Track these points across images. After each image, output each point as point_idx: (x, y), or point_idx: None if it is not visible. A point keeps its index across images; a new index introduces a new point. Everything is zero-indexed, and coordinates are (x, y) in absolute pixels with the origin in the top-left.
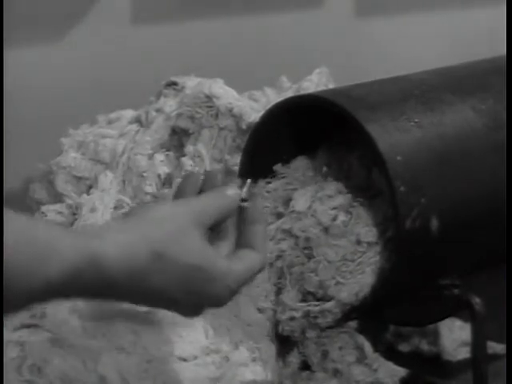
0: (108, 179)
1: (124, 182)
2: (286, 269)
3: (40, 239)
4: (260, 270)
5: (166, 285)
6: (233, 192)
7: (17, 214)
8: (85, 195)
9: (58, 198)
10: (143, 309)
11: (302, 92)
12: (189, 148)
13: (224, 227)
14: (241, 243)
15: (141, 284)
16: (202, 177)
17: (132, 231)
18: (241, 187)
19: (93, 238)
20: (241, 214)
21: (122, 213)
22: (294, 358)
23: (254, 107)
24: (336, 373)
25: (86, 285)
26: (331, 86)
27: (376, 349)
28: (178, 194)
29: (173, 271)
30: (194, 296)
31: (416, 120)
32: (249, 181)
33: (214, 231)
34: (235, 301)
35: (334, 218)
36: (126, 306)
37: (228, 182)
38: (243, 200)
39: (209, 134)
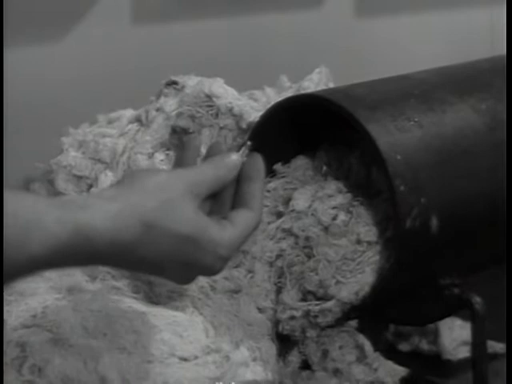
0: (108, 178)
1: None
2: (286, 268)
3: (24, 214)
4: (255, 230)
5: (157, 256)
6: (233, 159)
7: (3, 190)
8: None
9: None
10: (144, 309)
11: (302, 92)
12: None
13: (225, 194)
14: (236, 202)
15: (131, 255)
16: (201, 145)
17: (122, 201)
18: (241, 152)
19: (80, 209)
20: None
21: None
22: (294, 358)
23: (254, 107)
24: (336, 372)
25: (73, 257)
26: (331, 85)
27: (376, 348)
28: (177, 163)
29: (164, 242)
30: (186, 266)
31: (416, 119)
32: (248, 143)
33: (215, 198)
34: (236, 300)
35: (334, 218)
36: (127, 306)
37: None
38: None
39: (209, 134)
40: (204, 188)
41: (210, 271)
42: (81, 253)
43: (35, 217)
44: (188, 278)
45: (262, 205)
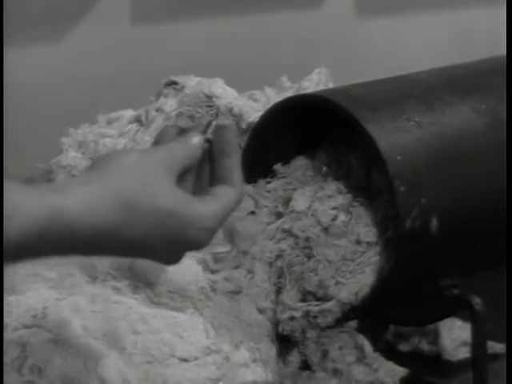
0: None
1: None
2: (285, 268)
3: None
4: (238, 204)
5: (140, 234)
6: (195, 140)
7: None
8: None
9: None
10: (144, 310)
11: (302, 92)
12: None
13: (201, 173)
14: (215, 180)
15: (113, 237)
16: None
17: (98, 183)
18: (205, 131)
19: (57, 193)
20: (210, 152)
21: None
22: (294, 358)
23: (254, 107)
24: (336, 372)
25: (54, 244)
26: (331, 85)
27: (376, 348)
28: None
29: (145, 219)
30: (172, 242)
31: (416, 120)
32: (214, 123)
33: (182, 179)
34: (236, 301)
35: (334, 218)
36: (127, 306)
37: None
38: (209, 141)
39: None
40: (177, 165)
41: (197, 244)
42: (61, 237)
43: (13, 204)
44: (175, 256)
45: (242, 178)
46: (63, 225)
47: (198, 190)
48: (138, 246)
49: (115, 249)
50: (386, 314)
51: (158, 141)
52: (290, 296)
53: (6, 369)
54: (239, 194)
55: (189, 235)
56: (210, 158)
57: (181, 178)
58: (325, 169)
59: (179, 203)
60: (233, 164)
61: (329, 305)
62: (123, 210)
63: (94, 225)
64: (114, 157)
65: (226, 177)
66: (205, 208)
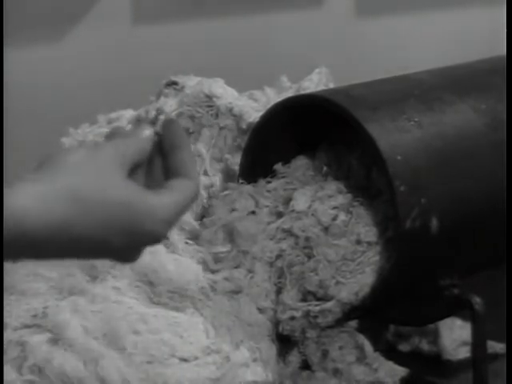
0: None
1: None
2: (286, 268)
3: None
4: (195, 197)
5: (94, 230)
6: (145, 133)
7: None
8: None
9: None
10: (144, 309)
11: (302, 92)
12: None
13: (154, 168)
14: (169, 174)
15: (68, 235)
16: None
17: (48, 181)
18: (154, 125)
19: (7, 192)
20: (160, 147)
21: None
22: (294, 358)
23: (254, 107)
24: (336, 372)
25: (6, 245)
26: (331, 85)
27: (376, 348)
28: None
29: (99, 214)
30: (127, 235)
31: (416, 120)
32: (162, 118)
33: (134, 173)
34: (236, 301)
35: (334, 218)
36: (127, 306)
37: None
38: (158, 134)
39: (209, 134)
40: (127, 159)
41: (154, 237)
42: (13, 238)
43: None
44: (133, 251)
45: (196, 170)
46: (16, 225)
47: (151, 185)
48: (93, 242)
49: (71, 248)
50: (386, 314)
51: (108, 136)
52: (290, 296)
53: (5, 368)
54: (196, 186)
55: (145, 227)
56: (161, 153)
57: (132, 172)
58: (325, 169)
59: (132, 195)
60: (186, 156)
61: (329, 305)
62: (74, 206)
63: (46, 224)
64: (60, 155)
65: (180, 170)
66: (160, 200)
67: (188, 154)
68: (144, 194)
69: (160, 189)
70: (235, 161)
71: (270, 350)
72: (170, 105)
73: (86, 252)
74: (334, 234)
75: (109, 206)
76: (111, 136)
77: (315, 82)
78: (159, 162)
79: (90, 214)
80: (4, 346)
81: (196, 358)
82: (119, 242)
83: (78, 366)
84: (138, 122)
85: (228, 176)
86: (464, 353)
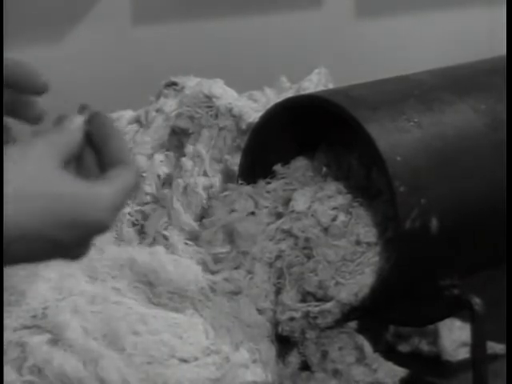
0: None
1: None
2: (285, 269)
3: None
4: (136, 182)
5: (37, 224)
6: (74, 123)
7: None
8: None
9: None
10: (144, 310)
11: (302, 92)
12: (188, 148)
13: (87, 159)
14: (104, 165)
15: (9, 233)
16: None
17: None
18: (82, 115)
19: None
20: (90, 139)
21: None
22: (293, 359)
23: (253, 107)
24: (336, 373)
25: None
26: (331, 86)
27: (376, 349)
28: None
29: (38, 207)
30: (72, 228)
31: (416, 120)
32: (87, 109)
33: (67, 167)
34: (236, 302)
35: (334, 219)
36: (127, 307)
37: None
38: (86, 124)
39: (208, 134)
40: (59, 151)
41: (99, 226)
42: None
43: None
44: (81, 244)
45: (131, 156)
46: None
47: (84, 177)
48: (35, 238)
49: (14, 249)
50: (386, 315)
51: (35, 132)
52: (289, 296)
53: (5, 369)
54: (134, 172)
55: (88, 218)
56: (92, 146)
57: (66, 165)
58: (324, 169)
59: (69, 186)
60: (118, 145)
61: (328, 305)
62: (12, 203)
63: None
64: None
65: (115, 159)
66: (100, 189)
67: (120, 142)
68: (82, 185)
69: (97, 179)
70: (235, 161)
71: (269, 350)
72: (169, 105)
73: (31, 252)
74: (333, 234)
75: (45, 198)
76: (37, 132)
77: (315, 83)
78: (91, 154)
79: (27, 207)
80: (4, 347)
81: (196, 359)
82: (64, 236)
83: (78, 367)
84: (63, 116)
85: (227, 177)
86: (464, 353)
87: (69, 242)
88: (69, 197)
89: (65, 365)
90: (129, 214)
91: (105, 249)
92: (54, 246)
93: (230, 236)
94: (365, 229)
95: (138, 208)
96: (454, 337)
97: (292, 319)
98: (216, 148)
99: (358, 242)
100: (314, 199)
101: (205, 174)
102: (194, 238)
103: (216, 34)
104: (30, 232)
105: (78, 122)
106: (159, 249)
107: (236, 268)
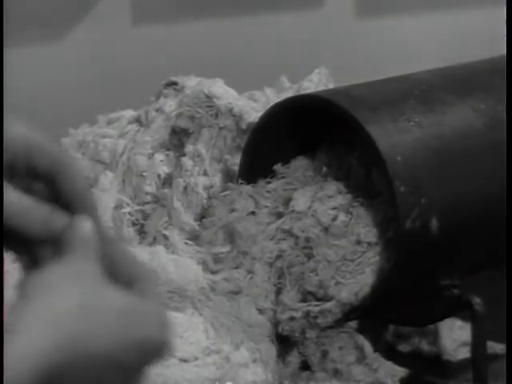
0: (108, 179)
1: (124, 181)
2: (285, 269)
3: None
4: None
5: (102, 344)
6: (86, 230)
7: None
8: None
9: None
10: None
11: (302, 92)
12: (189, 148)
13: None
14: (117, 276)
15: (74, 354)
16: None
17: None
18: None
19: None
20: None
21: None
22: (293, 358)
23: (253, 107)
24: (336, 373)
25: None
26: (331, 86)
27: (376, 349)
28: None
29: (101, 324)
30: (136, 346)
31: (416, 120)
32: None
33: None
34: (236, 301)
35: (334, 218)
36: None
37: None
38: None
39: (208, 134)
40: (98, 265)
41: (164, 345)
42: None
43: None
44: (140, 367)
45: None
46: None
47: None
48: (103, 361)
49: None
50: (386, 315)
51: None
52: (289, 296)
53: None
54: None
55: (151, 334)
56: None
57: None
58: (325, 169)
59: (127, 295)
60: (121, 250)
61: (329, 305)
62: (81, 321)
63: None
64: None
65: (133, 275)
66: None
67: (122, 248)
68: (137, 301)
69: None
70: (235, 161)
71: (269, 350)
72: (169, 105)
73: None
74: (333, 234)
75: (109, 313)
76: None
77: (315, 83)
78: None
79: (93, 325)
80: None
81: (196, 359)
82: (126, 356)
83: None
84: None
85: (228, 176)
86: (464, 353)
87: (131, 362)
88: (133, 314)
89: None
90: (129, 213)
91: None
92: (115, 367)
93: (230, 236)
94: (365, 229)
95: (138, 207)
96: (454, 336)
97: (292, 319)
98: (216, 148)
99: (358, 242)
100: (315, 199)
101: (205, 173)
102: (194, 237)
103: (216, 34)
104: (97, 352)
105: (90, 228)
106: (159, 248)
107: (236, 268)
